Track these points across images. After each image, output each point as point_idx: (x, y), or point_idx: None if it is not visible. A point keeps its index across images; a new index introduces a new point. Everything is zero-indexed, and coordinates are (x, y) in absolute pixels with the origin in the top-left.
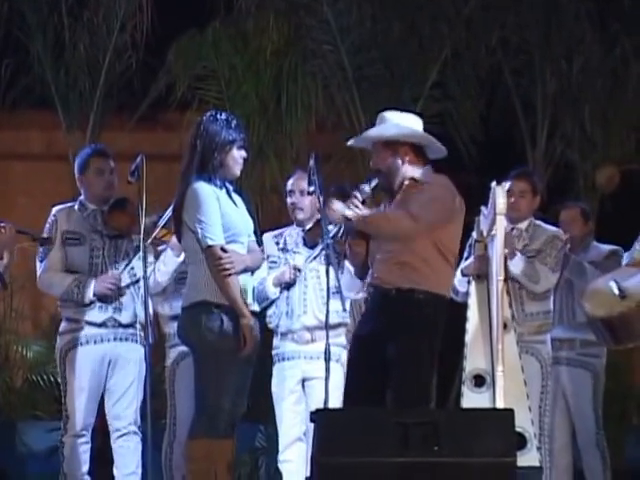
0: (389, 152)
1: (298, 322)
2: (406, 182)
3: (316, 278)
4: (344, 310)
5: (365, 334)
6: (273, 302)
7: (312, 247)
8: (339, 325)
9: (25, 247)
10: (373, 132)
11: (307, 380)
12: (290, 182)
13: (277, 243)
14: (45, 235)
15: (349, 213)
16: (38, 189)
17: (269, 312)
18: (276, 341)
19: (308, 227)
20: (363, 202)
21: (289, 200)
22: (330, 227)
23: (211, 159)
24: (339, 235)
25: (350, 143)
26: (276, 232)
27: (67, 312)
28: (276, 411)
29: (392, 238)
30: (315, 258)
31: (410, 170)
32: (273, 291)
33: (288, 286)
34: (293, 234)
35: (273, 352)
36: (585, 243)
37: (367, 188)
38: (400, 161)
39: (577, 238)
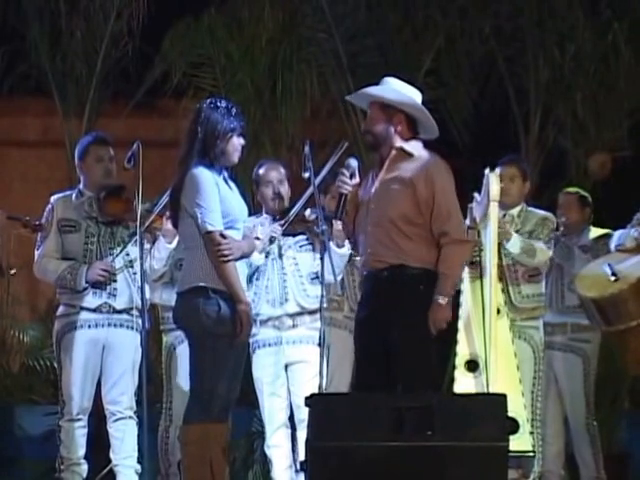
0: (383, 116)
1: (280, 309)
2: (393, 152)
3: (294, 265)
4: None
5: (364, 319)
6: (256, 271)
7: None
8: (320, 310)
9: (21, 233)
10: (373, 91)
11: (290, 364)
12: (262, 172)
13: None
14: (37, 222)
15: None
16: (34, 175)
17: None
18: (255, 329)
19: (279, 217)
20: (351, 176)
21: (267, 190)
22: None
23: (213, 146)
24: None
25: (348, 98)
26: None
27: (64, 297)
28: (259, 397)
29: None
30: (292, 222)
31: (399, 140)
32: (257, 257)
33: (270, 251)
34: (265, 224)
35: (251, 340)
36: (580, 228)
37: (354, 162)
38: (392, 128)
39: (573, 223)
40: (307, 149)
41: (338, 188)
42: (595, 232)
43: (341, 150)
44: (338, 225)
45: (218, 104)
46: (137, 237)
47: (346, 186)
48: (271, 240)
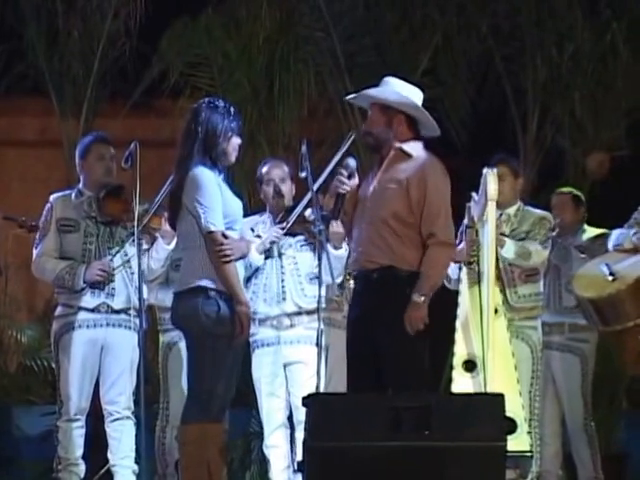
0: (384, 118)
1: (277, 308)
2: (393, 152)
3: (293, 264)
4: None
5: (354, 320)
6: (256, 271)
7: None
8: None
9: (18, 233)
10: (373, 92)
11: (288, 365)
12: (264, 170)
13: (252, 230)
14: (33, 222)
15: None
16: (32, 175)
17: None
18: (254, 328)
19: (281, 215)
20: (349, 177)
21: (268, 188)
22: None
23: (215, 147)
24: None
25: (349, 98)
26: (249, 218)
27: (62, 297)
28: (258, 397)
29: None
30: (293, 224)
31: (399, 140)
32: (257, 257)
33: (270, 254)
34: (267, 222)
35: (251, 339)
36: (575, 228)
37: (352, 162)
38: (393, 129)
39: (568, 223)
40: (304, 149)
41: (336, 188)
42: (591, 232)
43: (349, 141)
44: (334, 227)
45: (217, 104)
46: (135, 237)
47: (344, 186)
48: (272, 243)
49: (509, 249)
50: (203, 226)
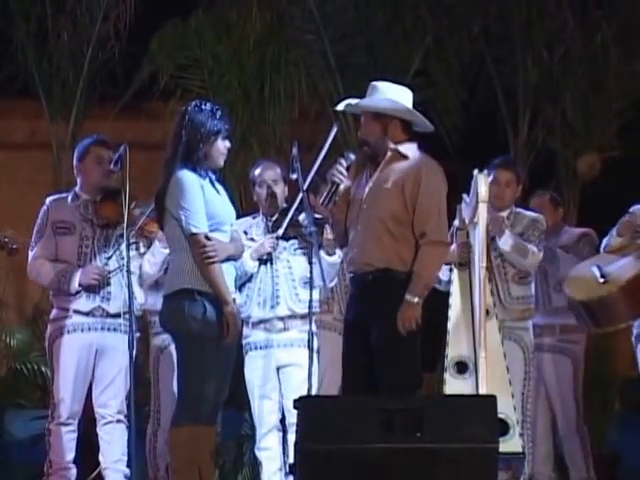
0: (378, 125)
1: (271, 312)
2: (389, 153)
3: (287, 268)
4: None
5: (350, 322)
6: (251, 277)
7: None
8: (308, 313)
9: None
10: (365, 102)
11: (281, 368)
12: (257, 172)
13: (245, 232)
14: (14, 245)
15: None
16: (21, 177)
17: (239, 302)
18: (247, 330)
19: (274, 218)
20: (347, 169)
21: (261, 190)
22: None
23: (196, 150)
24: (325, 203)
25: (339, 107)
26: (241, 220)
27: (57, 300)
28: (250, 400)
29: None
30: (287, 230)
31: (394, 143)
32: (252, 265)
33: (265, 260)
34: (261, 224)
35: (244, 341)
36: (557, 229)
37: (352, 156)
38: (388, 135)
39: (550, 226)
40: (295, 150)
41: (332, 176)
42: (572, 231)
43: (332, 134)
44: (328, 234)
45: (203, 107)
46: (124, 240)
47: (340, 176)
48: (268, 254)
49: (507, 241)
50: (185, 229)
